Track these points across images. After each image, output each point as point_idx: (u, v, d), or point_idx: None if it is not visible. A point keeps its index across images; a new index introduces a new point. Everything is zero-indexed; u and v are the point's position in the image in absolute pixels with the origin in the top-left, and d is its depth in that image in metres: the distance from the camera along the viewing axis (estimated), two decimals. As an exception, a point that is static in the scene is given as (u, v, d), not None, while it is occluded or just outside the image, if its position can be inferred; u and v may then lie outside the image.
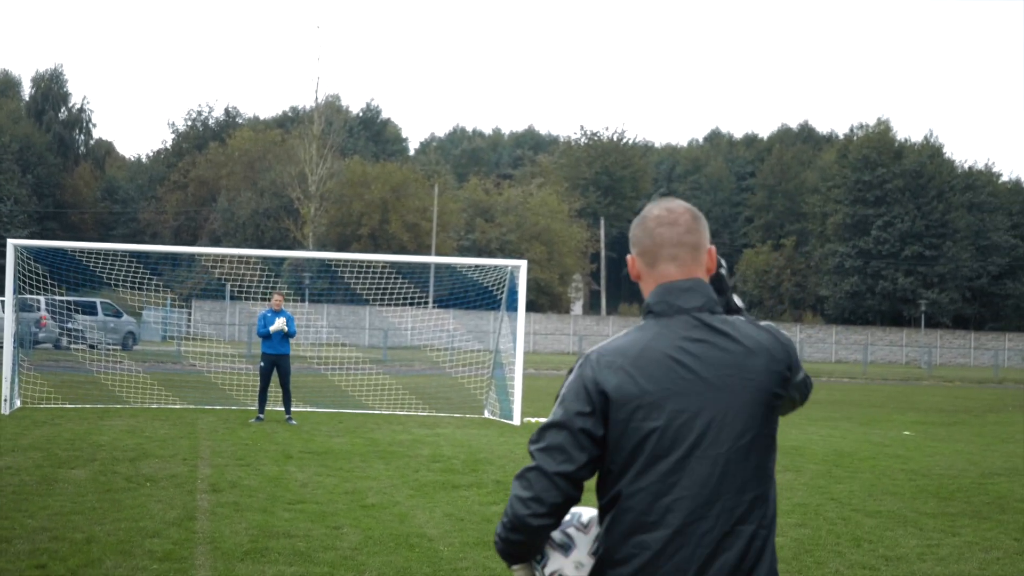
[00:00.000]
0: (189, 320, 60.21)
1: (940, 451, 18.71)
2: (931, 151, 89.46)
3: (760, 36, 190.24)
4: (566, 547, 3.34)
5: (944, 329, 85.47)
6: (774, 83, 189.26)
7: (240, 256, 31.92)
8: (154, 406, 22.50)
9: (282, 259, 66.75)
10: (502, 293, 24.54)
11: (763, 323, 3.39)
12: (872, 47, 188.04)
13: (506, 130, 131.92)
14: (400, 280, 28.15)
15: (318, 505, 11.47)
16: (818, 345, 78.62)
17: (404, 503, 11.83)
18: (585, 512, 3.41)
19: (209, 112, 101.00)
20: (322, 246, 77.03)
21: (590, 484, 3.33)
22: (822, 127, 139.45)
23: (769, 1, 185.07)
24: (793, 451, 17.62)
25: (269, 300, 21.50)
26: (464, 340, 38.98)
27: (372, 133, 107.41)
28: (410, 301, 30.56)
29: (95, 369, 26.76)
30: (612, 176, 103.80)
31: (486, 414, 23.61)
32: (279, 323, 20.03)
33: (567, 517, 3.37)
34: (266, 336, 20.16)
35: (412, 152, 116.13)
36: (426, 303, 47.81)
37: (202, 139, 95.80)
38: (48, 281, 24.51)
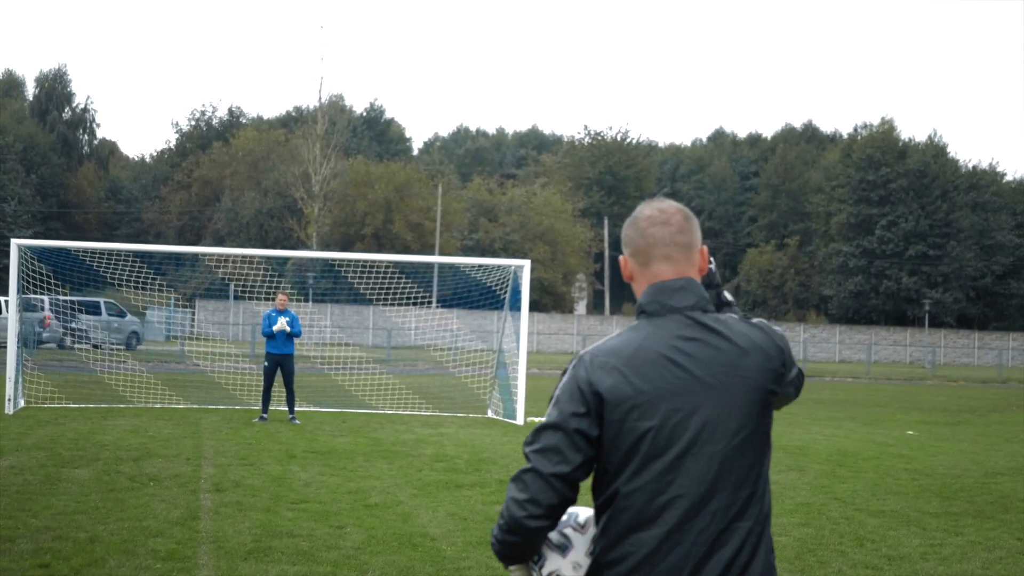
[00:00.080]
0: (193, 320, 60.24)
1: (944, 451, 18.70)
2: (935, 150, 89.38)
3: (764, 36, 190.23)
4: (563, 548, 3.35)
5: (948, 329, 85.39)
6: (778, 83, 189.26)
7: (244, 256, 31.89)
8: (158, 406, 22.52)
9: (286, 259, 66.75)
10: (506, 293, 24.55)
11: (755, 320, 3.40)
12: (876, 46, 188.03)
13: (510, 130, 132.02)
14: (404, 280, 28.16)
15: (321, 504, 11.47)
16: (822, 345, 78.58)
17: (407, 503, 11.84)
18: (582, 512, 3.42)
19: (213, 112, 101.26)
20: (326, 246, 77.04)
21: (585, 484, 3.34)
22: (826, 127, 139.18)
23: (772, 1, 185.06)
24: (797, 451, 17.62)
25: (273, 300, 21.51)
26: (467, 340, 38.97)
27: (376, 133, 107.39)
28: (414, 301, 30.57)
29: (99, 369, 26.79)
30: (616, 176, 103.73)
31: (489, 414, 23.62)
32: (282, 323, 20.03)
33: (564, 517, 3.38)
34: (270, 336, 20.17)
35: (416, 152, 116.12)
36: (430, 303, 47.83)
37: (206, 139, 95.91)
38: (52, 281, 24.53)
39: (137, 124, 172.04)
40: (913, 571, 9.35)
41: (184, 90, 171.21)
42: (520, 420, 21.77)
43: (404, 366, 39.97)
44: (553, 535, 3.36)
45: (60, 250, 24.96)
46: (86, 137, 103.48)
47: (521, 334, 22.75)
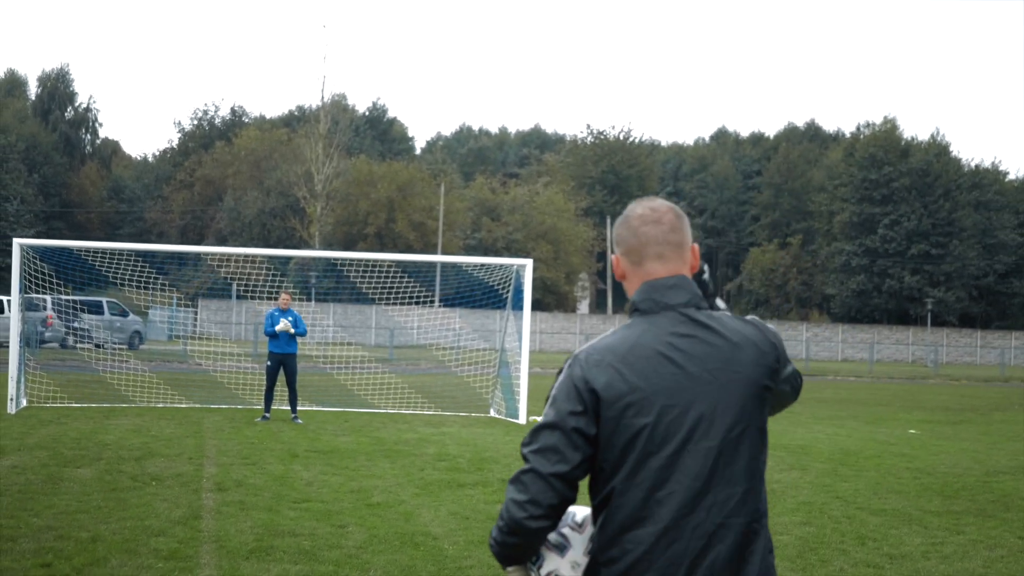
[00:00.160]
0: (195, 319, 60.30)
1: (946, 449, 18.69)
2: (938, 149, 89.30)
3: (766, 35, 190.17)
4: (561, 547, 3.35)
5: (950, 327, 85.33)
6: (781, 82, 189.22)
7: (246, 255, 31.88)
8: (160, 405, 22.54)
9: (288, 258, 66.79)
10: (508, 292, 24.56)
11: (749, 317, 3.42)
12: (879, 45, 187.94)
13: (512, 129, 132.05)
14: (406, 279, 28.16)
15: (323, 504, 11.48)
16: (824, 344, 78.56)
17: (409, 502, 11.84)
18: (579, 511, 3.42)
19: (215, 111, 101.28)
20: (328, 245, 77.04)
21: (583, 483, 3.34)
22: (829, 126, 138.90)
23: (775, 1, 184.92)
24: (799, 450, 17.62)
25: (276, 299, 21.51)
26: (470, 339, 38.97)
27: (378, 132, 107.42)
28: (416, 300, 30.56)
29: (101, 368, 26.81)
30: (618, 175, 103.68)
31: (492, 413, 23.63)
32: (283, 324, 20.02)
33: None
34: (273, 335, 20.17)
35: (418, 151, 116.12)
36: (432, 302, 47.87)
37: (208, 138, 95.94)
38: (54, 280, 24.55)
39: (139, 123, 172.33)
40: (914, 570, 9.35)
41: (186, 89, 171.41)
42: (522, 419, 21.78)
43: (406, 365, 39.98)
44: (551, 535, 3.36)
45: (62, 249, 24.97)
46: (88, 136, 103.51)
47: (523, 333, 22.75)
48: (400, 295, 27.92)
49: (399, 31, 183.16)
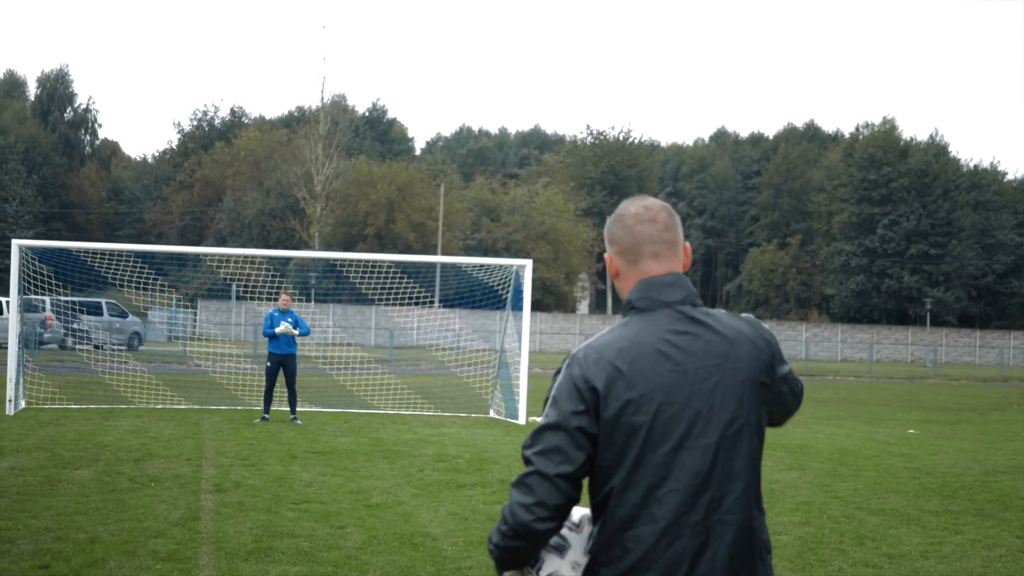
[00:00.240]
0: (195, 320, 60.27)
1: (944, 449, 18.70)
2: (936, 150, 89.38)
3: (766, 35, 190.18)
4: (561, 548, 3.34)
5: (949, 327, 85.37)
6: (780, 82, 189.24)
7: (246, 256, 31.90)
8: (159, 406, 22.52)
9: (288, 259, 66.81)
10: (508, 292, 24.55)
11: (743, 315, 3.44)
12: (878, 46, 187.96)
13: (512, 129, 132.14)
14: (406, 280, 28.15)
15: (322, 505, 11.48)
16: (824, 344, 78.57)
17: (408, 502, 11.84)
18: (576, 511, 3.41)
19: (215, 112, 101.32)
20: (328, 246, 77.06)
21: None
22: (828, 126, 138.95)
23: (774, 1, 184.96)
24: (798, 449, 17.62)
25: (276, 300, 21.49)
26: (470, 340, 38.95)
27: (378, 133, 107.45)
28: (416, 301, 30.55)
29: (100, 369, 26.79)
30: (618, 175, 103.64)
31: (491, 413, 23.62)
32: (283, 327, 20.00)
33: None
34: (272, 336, 20.15)
35: (418, 152, 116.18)
36: (432, 303, 47.86)
37: (208, 139, 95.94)
38: (53, 281, 24.54)
39: (139, 124, 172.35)
40: (913, 569, 9.36)
41: (186, 90, 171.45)
42: (522, 420, 21.78)
43: (406, 366, 39.98)
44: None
45: (62, 251, 24.96)
46: (88, 137, 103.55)
47: (523, 334, 22.74)
48: (400, 296, 27.91)
49: (399, 32, 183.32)
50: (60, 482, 12.38)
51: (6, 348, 21.85)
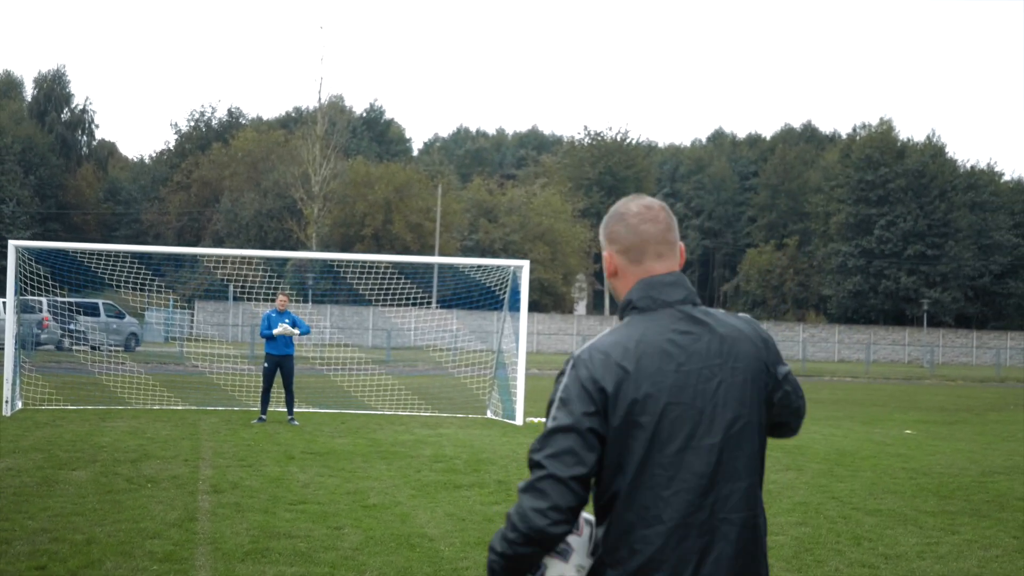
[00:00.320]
0: (192, 321, 60.23)
1: (941, 450, 18.71)
2: (933, 151, 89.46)
3: (763, 36, 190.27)
4: (564, 552, 3.30)
5: (946, 328, 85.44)
6: (777, 83, 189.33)
7: (243, 257, 31.91)
8: (156, 407, 22.51)
9: (285, 260, 66.80)
10: (505, 293, 24.56)
11: (740, 315, 3.44)
12: (875, 47, 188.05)
13: (510, 130, 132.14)
14: (403, 281, 28.16)
15: (319, 505, 11.48)
16: (821, 344, 78.60)
17: (406, 503, 11.84)
18: None
19: (212, 112, 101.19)
20: (325, 247, 77.06)
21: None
22: (825, 127, 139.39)
23: (772, 1, 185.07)
24: (795, 450, 17.62)
25: (273, 301, 21.48)
26: (467, 340, 38.95)
27: (375, 133, 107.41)
28: (413, 301, 30.56)
29: (97, 370, 26.77)
30: (616, 176, 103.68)
31: (489, 414, 23.61)
32: (281, 328, 19.97)
33: None
34: (270, 337, 20.14)
35: (416, 152, 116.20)
36: (429, 303, 47.81)
37: (205, 140, 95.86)
38: (50, 282, 24.53)
39: (136, 125, 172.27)
40: (909, 569, 9.37)
41: (183, 91, 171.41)
42: (519, 421, 21.76)
43: (403, 367, 39.96)
44: None
45: (58, 251, 24.94)
46: (85, 138, 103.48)
47: (520, 334, 22.75)
48: (397, 296, 27.91)
49: (396, 32, 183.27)
50: (57, 483, 12.38)
51: (3, 349, 21.82)
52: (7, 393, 20.37)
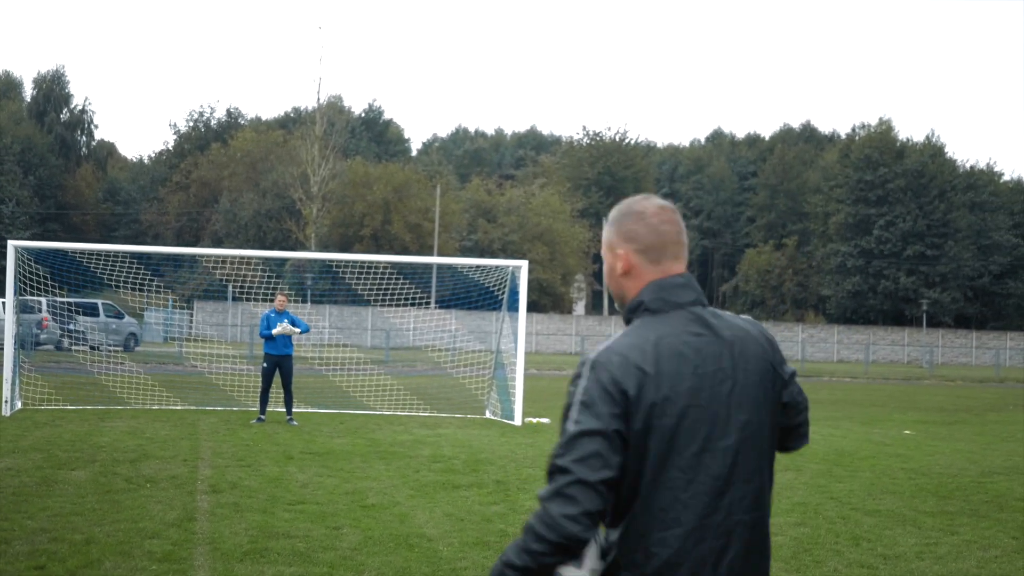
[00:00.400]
0: (191, 321, 60.24)
1: (940, 450, 18.71)
2: (933, 151, 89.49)
3: (762, 36, 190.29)
4: (580, 558, 3.28)
5: (946, 328, 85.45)
6: (776, 83, 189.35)
7: (242, 257, 31.92)
8: (155, 407, 22.51)
9: (284, 260, 66.76)
10: (504, 293, 24.55)
11: (743, 316, 3.44)
12: (874, 47, 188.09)
13: (508, 130, 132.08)
14: (402, 281, 28.15)
15: (318, 506, 11.48)
16: (820, 345, 78.59)
17: (404, 503, 11.84)
18: None
19: (211, 113, 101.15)
20: (324, 247, 77.04)
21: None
22: (824, 127, 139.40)
23: (771, 1, 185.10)
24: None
25: (272, 301, 21.48)
26: (466, 341, 38.94)
27: (374, 134, 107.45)
28: (412, 302, 30.54)
29: (96, 370, 26.76)
30: (614, 176, 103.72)
31: (487, 414, 23.60)
32: (280, 328, 19.97)
33: None
34: (269, 337, 20.14)
35: (414, 153, 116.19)
36: (428, 304, 47.85)
37: (204, 140, 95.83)
38: (49, 283, 24.52)
39: (135, 125, 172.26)
40: (908, 570, 9.37)
41: (182, 91, 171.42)
42: (518, 421, 21.74)
43: (402, 367, 39.95)
44: None
45: (57, 251, 24.94)
46: (84, 138, 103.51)
47: (519, 335, 22.74)
48: (396, 297, 27.90)
49: (395, 33, 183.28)
50: (56, 483, 12.38)
51: (2, 349, 21.82)
52: (6, 393, 20.37)
